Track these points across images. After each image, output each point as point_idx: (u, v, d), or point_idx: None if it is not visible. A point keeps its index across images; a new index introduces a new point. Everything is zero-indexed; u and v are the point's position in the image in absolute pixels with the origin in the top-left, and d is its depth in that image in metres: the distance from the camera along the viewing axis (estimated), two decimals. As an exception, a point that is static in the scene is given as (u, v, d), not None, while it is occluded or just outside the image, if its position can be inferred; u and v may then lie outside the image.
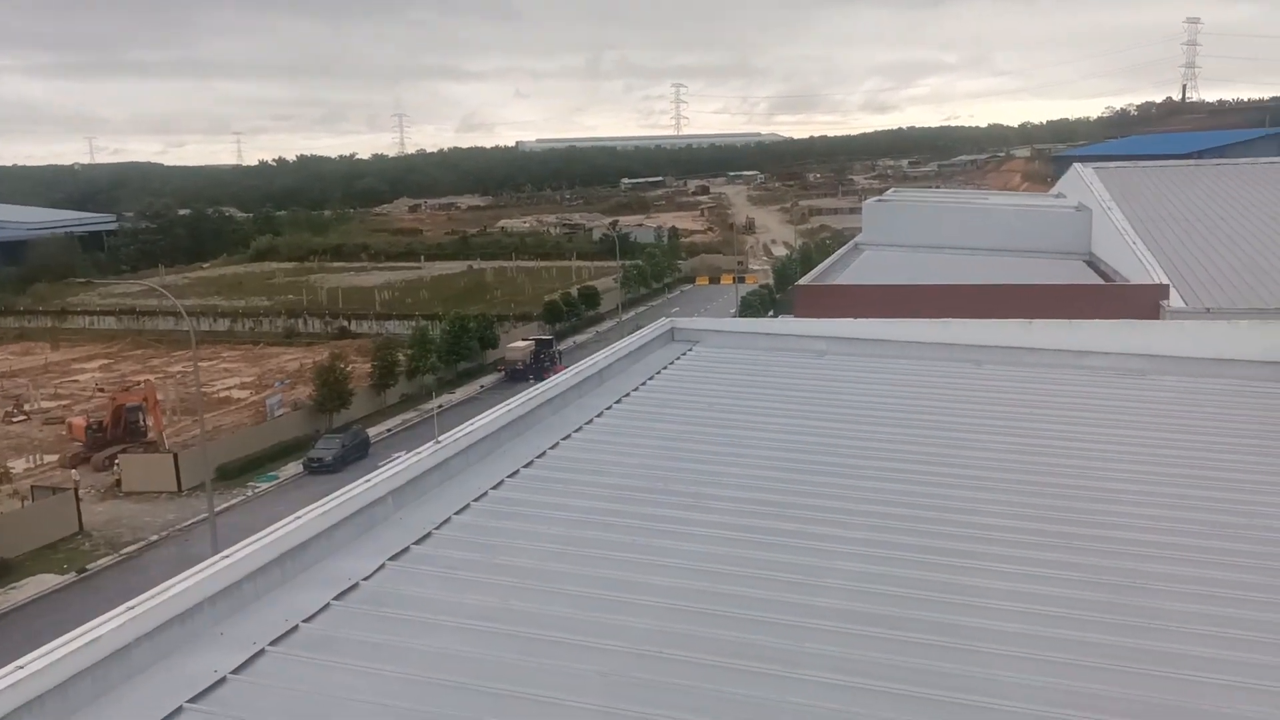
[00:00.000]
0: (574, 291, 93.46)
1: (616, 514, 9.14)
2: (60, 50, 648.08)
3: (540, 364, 69.58)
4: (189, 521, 42.42)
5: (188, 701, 5.95)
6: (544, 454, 10.88)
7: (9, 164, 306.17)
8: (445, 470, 9.95)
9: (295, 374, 69.74)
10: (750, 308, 76.79)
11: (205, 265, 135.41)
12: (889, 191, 50.69)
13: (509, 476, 10.09)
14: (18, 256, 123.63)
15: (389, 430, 57.53)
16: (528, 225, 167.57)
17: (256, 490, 47.07)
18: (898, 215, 40.54)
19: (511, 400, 11.77)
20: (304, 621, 6.98)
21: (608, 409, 12.69)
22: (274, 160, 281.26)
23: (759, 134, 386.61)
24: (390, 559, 8.03)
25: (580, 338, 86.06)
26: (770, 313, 75.13)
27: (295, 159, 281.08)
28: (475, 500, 9.42)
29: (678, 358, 15.63)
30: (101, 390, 64.61)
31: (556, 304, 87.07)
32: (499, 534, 8.64)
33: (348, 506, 8.43)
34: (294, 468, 50.13)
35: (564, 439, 11.40)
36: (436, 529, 8.71)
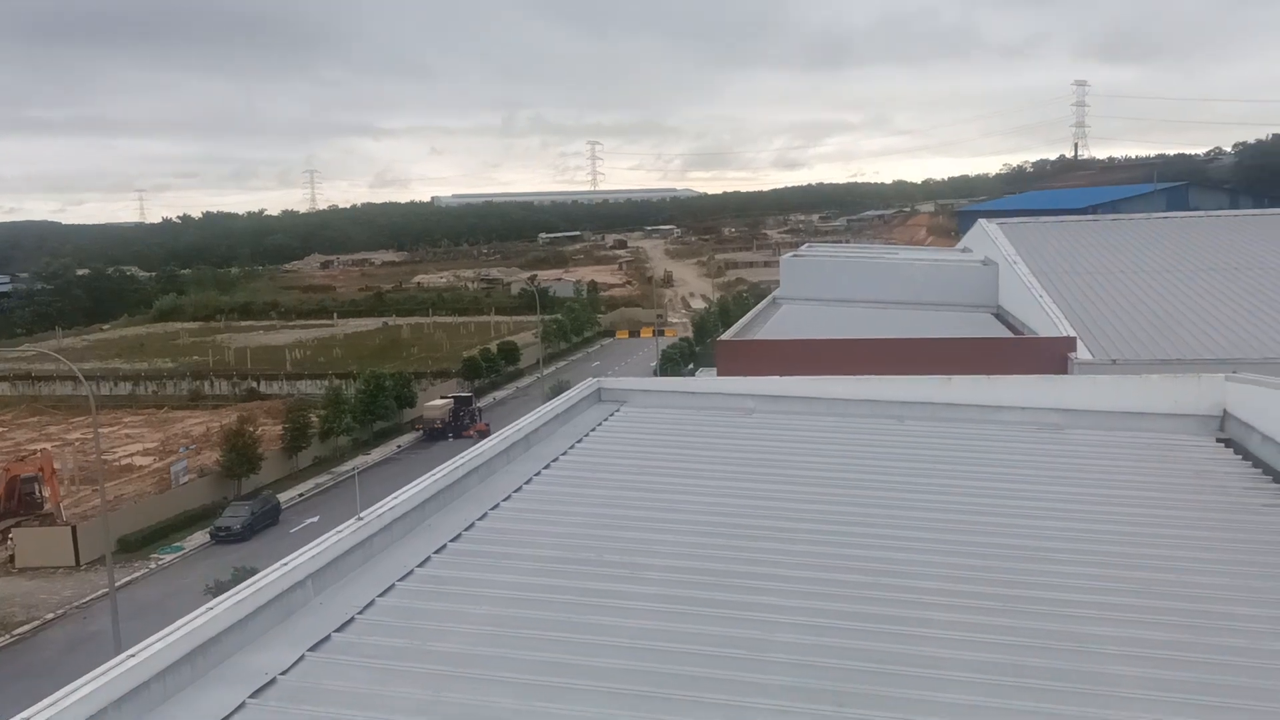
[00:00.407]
0: (493, 347, 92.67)
1: (549, 589, 8.80)
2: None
3: (460, 422, 68.51)
4: (88, 598, 40.24)
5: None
6: (472, 526, 10.48)
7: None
8: (368, 549, 9.48)
9: (201, 438, 67.34)
10: (671, 361, 77.09)
11: (105, 327, 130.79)
12: (804, 247, 51.66)
13: (435, 553, 9.67)
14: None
15: (301, 495, 55.75)
16: (445, 280, 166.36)
17: (160, 562, 45.00)
18: (813, 270, 41.26)
19: (437, 470, 11.35)
20: (218, 723, 6.49)
21: (536, 475, 12.36)
22: (178, 217, 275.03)
23: (674, 189, 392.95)
24: (310, 649, 7.55)
25: (501, 394, 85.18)
26: (690, 366, 75.57)
27: (201, 216, 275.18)
28: (400, 580, 8.98)
29: (606, 419, 15.40)
30: (-8, 460, 61.44)
31: (475, 360, 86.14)
32: (426, 616, 8.22)
33: (263, 594, 7.92)
34: (200, 537, 48.11)
35: (492, 509, 11.02)
36: (360, 614, 8.25)
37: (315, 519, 51.23)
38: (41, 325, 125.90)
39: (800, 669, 7.66)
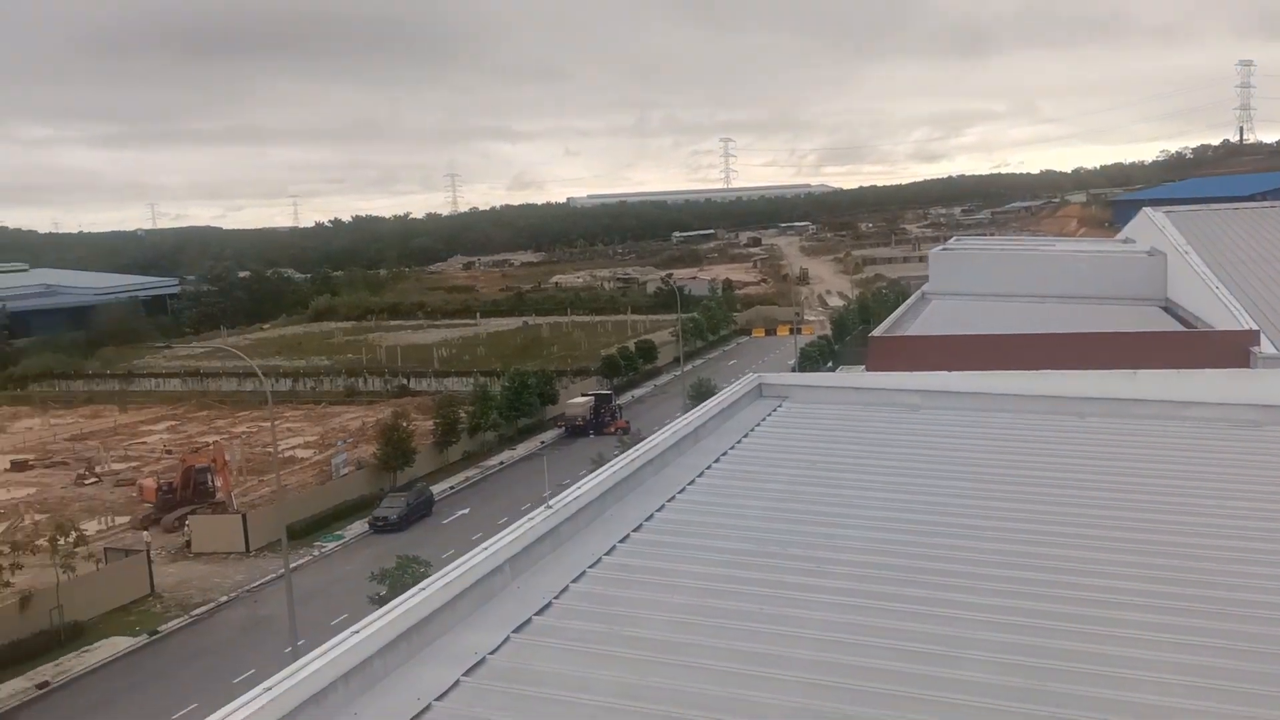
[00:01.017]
0: (631, 345, 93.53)
1: (738, 580, 8.82)
2: (121, 121, 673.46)
3: (600, 419, 69.41)
4: (258, 582, 42.59)
5: (329, 789, 5.72)
6: (651, 517, 10.60)
7: (74, 231, 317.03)
8: (557, 536, 9.70)
9: (357, 432, 70.34)
10: (809, 359, 76.15)
11: (265, 326, 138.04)
12: (952, 240, 50.14)
13: (620, 542, 9.82)
14: (84, 321, 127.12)
15: (451, 488, 57.56)
16: (581, 280, 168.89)
17: (323, 550, 47.22)
18: (964, 264, 39.98)
19: (615, 461, 11.52)
20: (436, 700, 6.75)
21: (708, 468, 12.40)
22: (330, 222, 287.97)
23: (808, 185, 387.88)
24: (514, 631, 7.78)
25: (639, 391, 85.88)
26: (829, 364, 74.51)
27: (351, 220, 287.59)
28: (590, 567, 9.16)
29: (769, 414, 15.32)
30: (169, 452, 65.65)
31: (614, 358, 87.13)
32: (620, 603, 8.35)
33: (468, 577, 8.21)
34: (359, 527, 50.26)
35: (669, 501, 11.12)
36: (556, 598, 8.45)
37: (466, 511, 52.82)
38: (207, 325, 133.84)
39: (997, 667, 7.46)
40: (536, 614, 8.13)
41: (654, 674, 7.12)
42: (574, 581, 8.83)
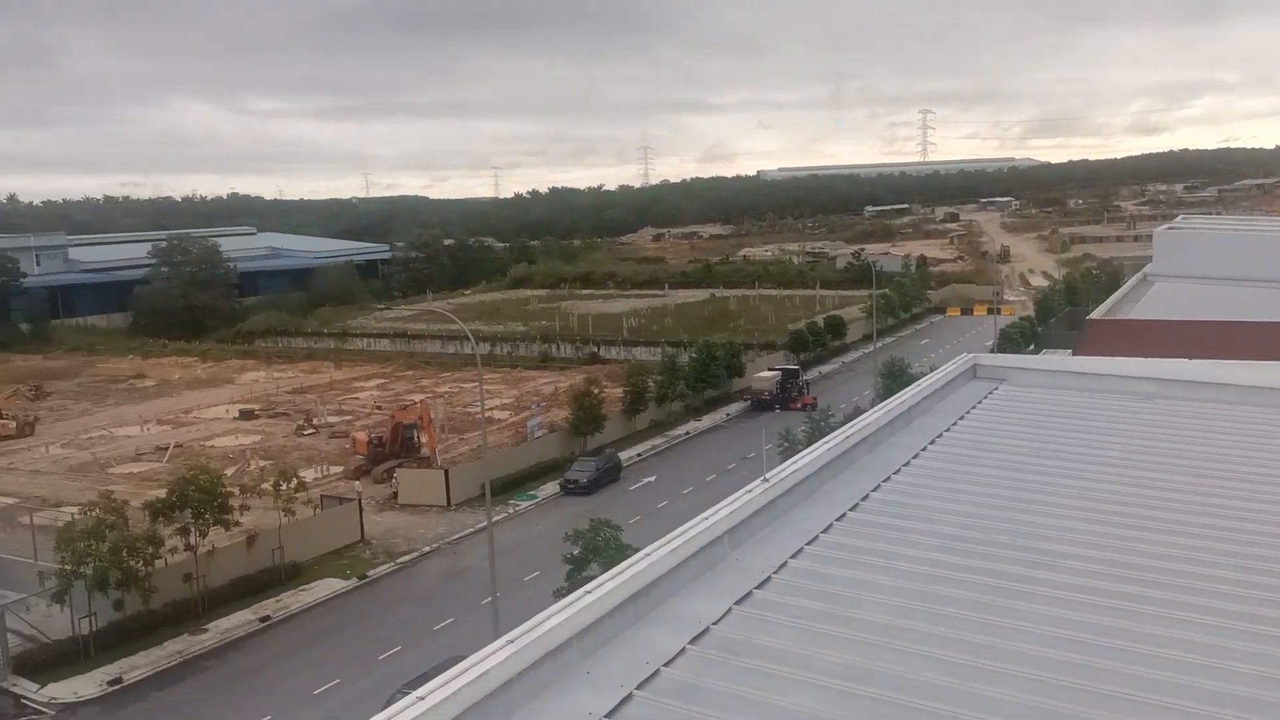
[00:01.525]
0: (819, 320, 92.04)
1: (958, 568, 8.52)
2: (340, 95, 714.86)
3: (787, 394, 68.76)
4: (457, 535, 44.73)
5: (569, 743, 5.91)
6: (867, 497, 10.38)
7: (296, 198, 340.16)
8: (773, 510, 9.65)
9: (550, 397, 72.55)
10: (1010, 341, 72.64)
11: (467, 292, 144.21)
12: (1179, 218, 46.56)
13: (837, 520, 9.67)
14: (304, 283, 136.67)
15: (639, 455, 58.51)
16: (770, 253, 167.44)
17: (517, 508, 49.03)
18: (1194, 244, 37.13)
19: (829, 438, 11.35)
20: (664, 666, 6.84)
21: (923, 450, 12.03)
22: (528, 193, 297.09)
23: (1012, 159, 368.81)
24: (736, 603, 7.80)
25: (826, 368, 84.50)
26: (1030, 347, 70.88)
27: (547, 191, 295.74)
28: (807, 544, 9.06)
29: (985, 397, 14.70)
30: (379, 408, 69.80)
31: (802, 333, 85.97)
32: (839, 583, 8.23)
33: (689, 546, 8.29)
34: (551, 488, 51.89)
35: (884, 481, 10.86)
36: (775, 573, 8.41)
37: (652, 478, 53.58)
38: (414, 289, 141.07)
39: (1257, 681, 6.88)
40: (757, 587, 8.12)
41: (877, 658, 6.98)
42: (792, 558, 8.76)
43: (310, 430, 63.14)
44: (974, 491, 10.56)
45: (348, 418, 67.91)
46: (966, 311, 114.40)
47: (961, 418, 13.50)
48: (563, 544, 33.31)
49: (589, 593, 7.24)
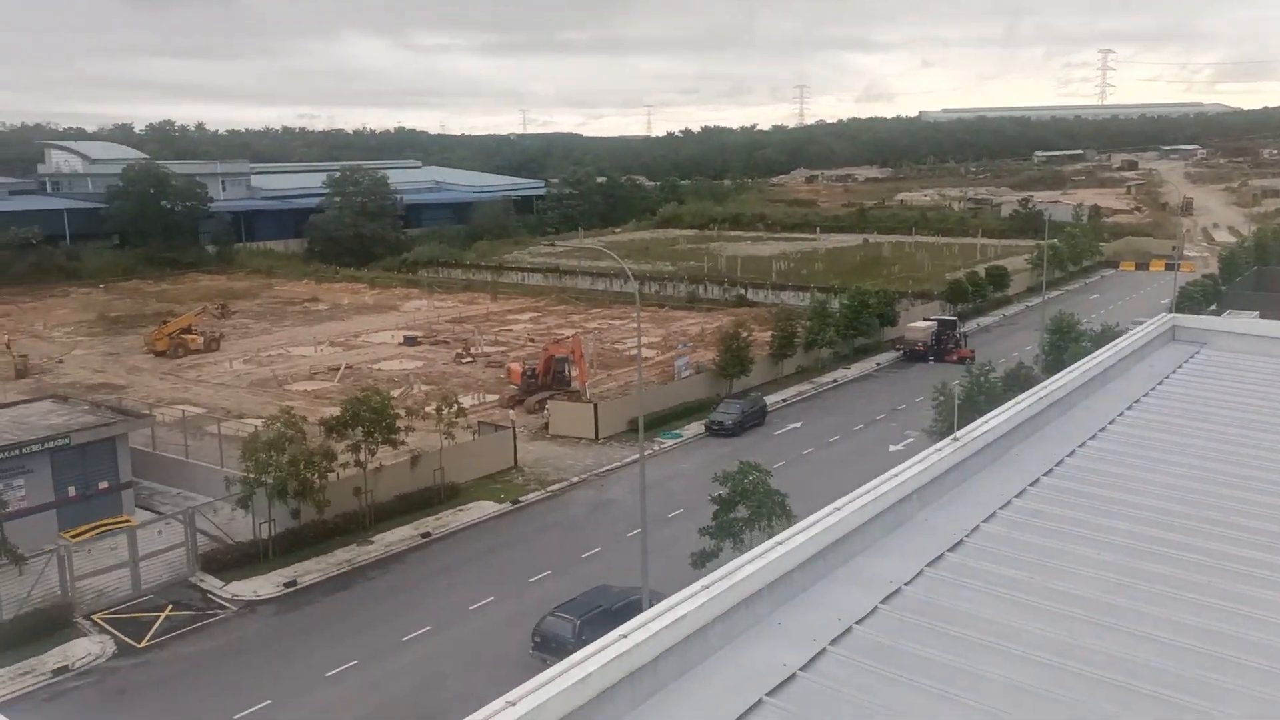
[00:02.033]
0: (980, 271, 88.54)
1: (1173, 545, 8.03)
2: (501, 31, 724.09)
3: (942, 346, 66.69)
4: (604, 468, 45.64)
5: (766, 695, 5.88)
6: (1061, 463, 9.92)
7: (458, 133, 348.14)
8: (962, 471, 9.33)
9: (696, 338, 72.63)
10: (1190, 299, 68.15)
11: (617, 230, 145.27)
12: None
13: (1030, 485, 9.27)
14: (464, 216, 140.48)
15: (784, 400, 58.05)
16: (929, 199, 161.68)
17: (662, 446, 49.55)
18: None
19: (1019, 399, 10.85)
20: (857, 624, 6.73)
21: (1119, 415, 11.39)
22: (680, 131, 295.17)
23: (1200, 104, 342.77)
24: (928, 565, 7.59)
25: (986, 320, 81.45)
26: (1212, 307, 66.38)
27: (700, 130, 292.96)
28: (999, 509, 8.73)
29: (1185, 361, 13.78)
30: (532, 340, 71.53)
31: (961, 283, 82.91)
32: (1038, 551, 7.89)
33: (878, 504, 8.09)
34: (695, 428, 52.15)
35: (1079, 447, 10.34)
36: (967, 536, 8.15)
37: (798, 425, 53.12)
38: (566, 226, 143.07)
39: None
40: (949, 550, 7.88)
41: (1088, 634, 6.67)
42: (984, 522, 8.45)
43: (468, 359, 65.31)
44: (1180, 463, 9.93)
45: (502, 348, 69.89)
46: (1142, 267, 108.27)
47: (1160, 382, 12.70)
48: (711, 484, 33.51)
49: (780, 544, 7.16)
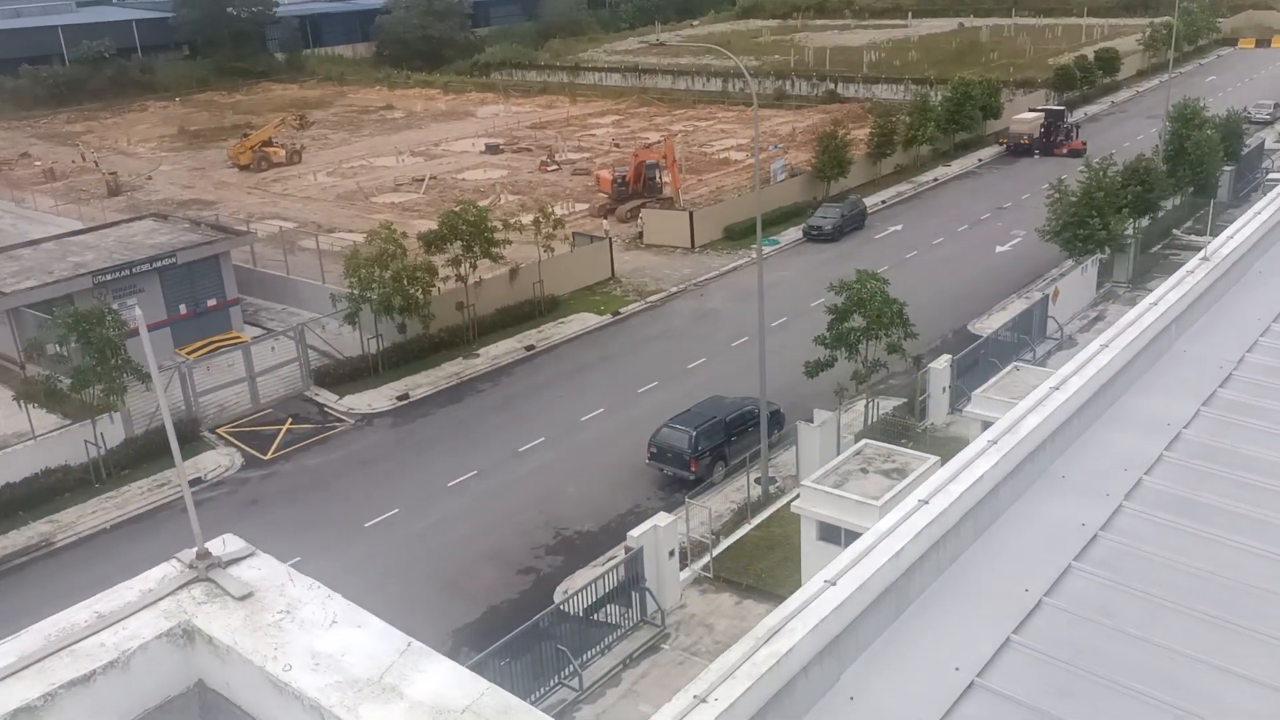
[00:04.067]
0: (1088, 54, 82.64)
1: None
2: None
3: (1050, 139, 63.13)
4: (703, 277, 44.88)
5: (1074, 560, 5.30)
6: (1318, 280, 8.85)
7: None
8: (1213, 294, 8.35)
9: (787, 138, 69.82)
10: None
11: (694, 23, 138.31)
12: None
13: (1298, 311, 8.27)
14: (534, 12, 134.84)
15: (884, 202, 55.95)
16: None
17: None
18: None
19: (1263, 202, 9.63)
20: (1146, 475, 6.05)
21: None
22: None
23: None
24: (1203, 405, 6.81)
25: (1092, 109, 76.67)
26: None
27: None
28: (1261, 336, 7.79)
29: None
30: (616, 145, 69.52)
31: (1068, 69, 77.62)
32: (1323, 388, 7.03)
33: (1140, 340, 7.22)
34: (793, 233, 50.75)
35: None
36: (1235, 370, 7.29)
37: (899, 227, 51.38)
38: (641, 19, 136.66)
39: None
40: (1220, 386, 7.05)
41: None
42: (1249, 352, 7.55)
43: (553, 166, 63.96)
44: None
45: (586, 155, 68.20)
46: (1263, 43, 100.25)
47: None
48: (820, 291, 32.64)
49: (1055, 389, 6.38)
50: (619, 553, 23.16)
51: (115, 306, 31.14)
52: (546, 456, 29.94)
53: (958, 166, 62.88)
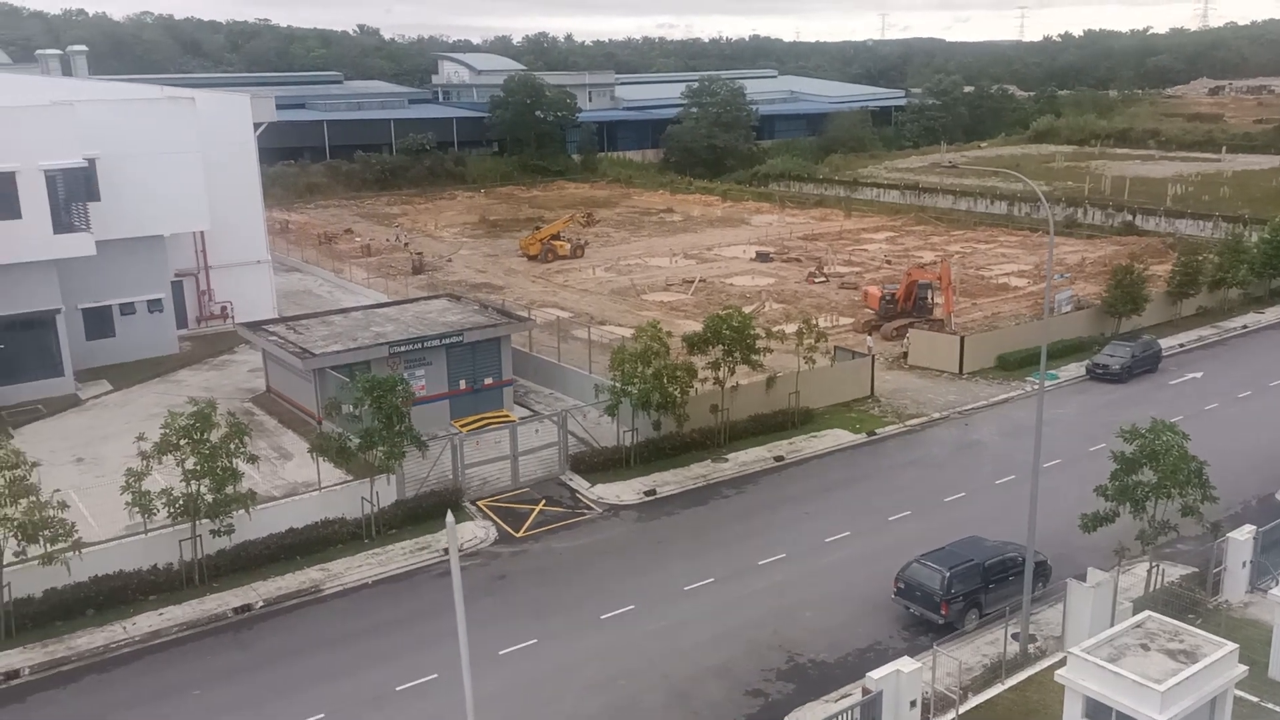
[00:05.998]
0: None
1: None
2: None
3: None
4: (968, 406, 42.71)
5: None
6: None
7: (811, 40, 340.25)
8: None
9: (1075, 268, 66.19)
10: None
11: (982, 144, 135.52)
12: None
13: None
14: (818, 127, 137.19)
15: (1181, 345, 51.35)
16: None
17: (1035, 387, 45.71)
18: None
19: None
20: None
21: None
22: (1059, 36, 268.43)
23: None
24: None
25: None
26: None
27: (1081, 34, 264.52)
28: None
29: None
30: (888, 262, 68.55)
31: None
32: None
33: None
34: (1073, 369, 47.50)
35: None
36: None
37: (1198, 375, 47.05)
38: (926, 139, 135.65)
39: None
40: None
41: None
42: None
43: (821, 278, 63.96)
44: None
45: (856, 269, 67.77)
46: None
47: None
48: (1107, 437, 30.07)
49: None
50: (855, 692, 21.89)
51: (404, 376, 33.76)
52: (786, 574, 29.11)
53: (1272, 315, 57.11)
